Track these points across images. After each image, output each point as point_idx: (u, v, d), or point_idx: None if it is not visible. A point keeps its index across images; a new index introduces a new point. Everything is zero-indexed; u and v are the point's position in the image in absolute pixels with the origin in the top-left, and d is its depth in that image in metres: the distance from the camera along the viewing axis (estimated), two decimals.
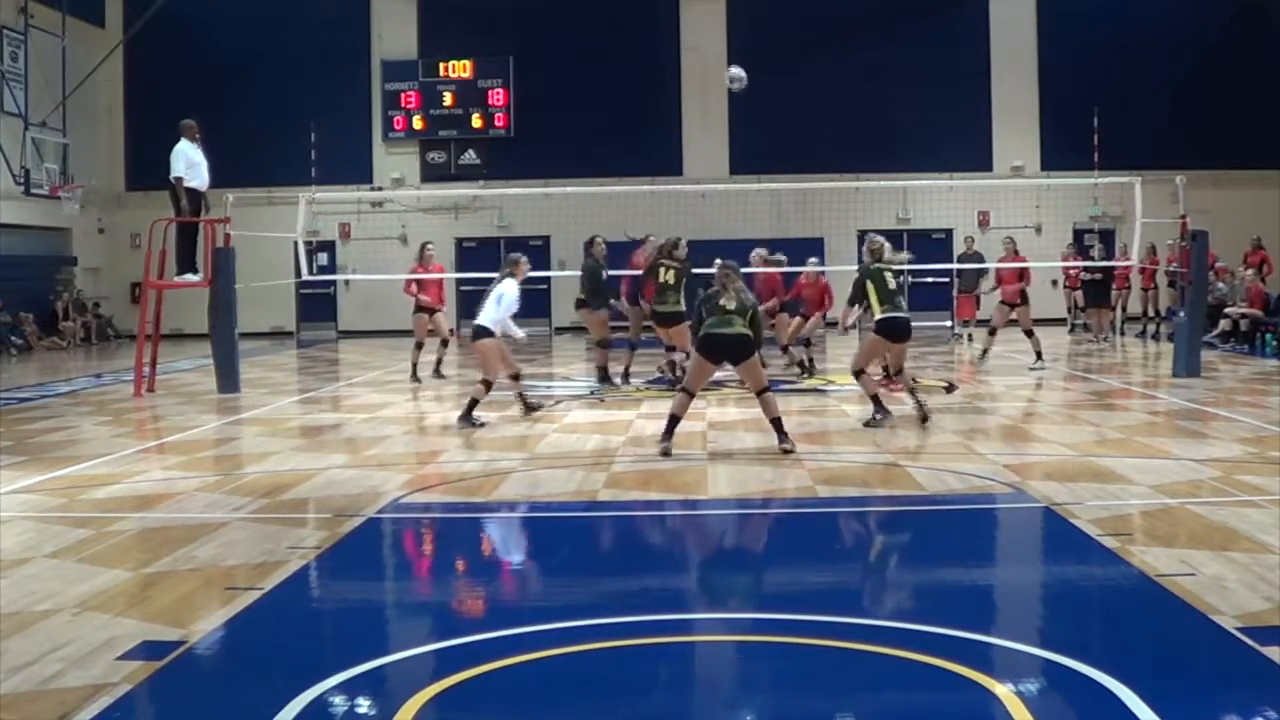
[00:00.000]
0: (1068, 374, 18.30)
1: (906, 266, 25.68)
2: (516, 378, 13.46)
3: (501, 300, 12.85)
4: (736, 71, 18.32)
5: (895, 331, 12.21)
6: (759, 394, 10.83)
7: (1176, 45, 29.84)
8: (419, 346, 17.75)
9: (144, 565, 6.87)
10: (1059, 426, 12.16)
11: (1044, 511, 8.05)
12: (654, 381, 16.35)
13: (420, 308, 17.69)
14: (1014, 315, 19.06)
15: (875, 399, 12.22)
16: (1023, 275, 19.15)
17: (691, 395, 10.86)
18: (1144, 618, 5.85)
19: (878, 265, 12.30)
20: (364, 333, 30.84)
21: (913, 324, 12.62)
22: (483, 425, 12.58)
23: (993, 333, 19.59)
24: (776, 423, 10.67)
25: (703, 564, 7.63)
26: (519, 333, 13.36)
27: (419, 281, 17.77)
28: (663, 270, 15.55)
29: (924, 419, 11.94)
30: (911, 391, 12.31)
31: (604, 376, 15.85)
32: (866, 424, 12.09)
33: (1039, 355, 18.27)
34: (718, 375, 16.61)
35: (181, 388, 17.56)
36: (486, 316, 12.84)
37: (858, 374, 12.38)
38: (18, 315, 27.53)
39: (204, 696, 5.03)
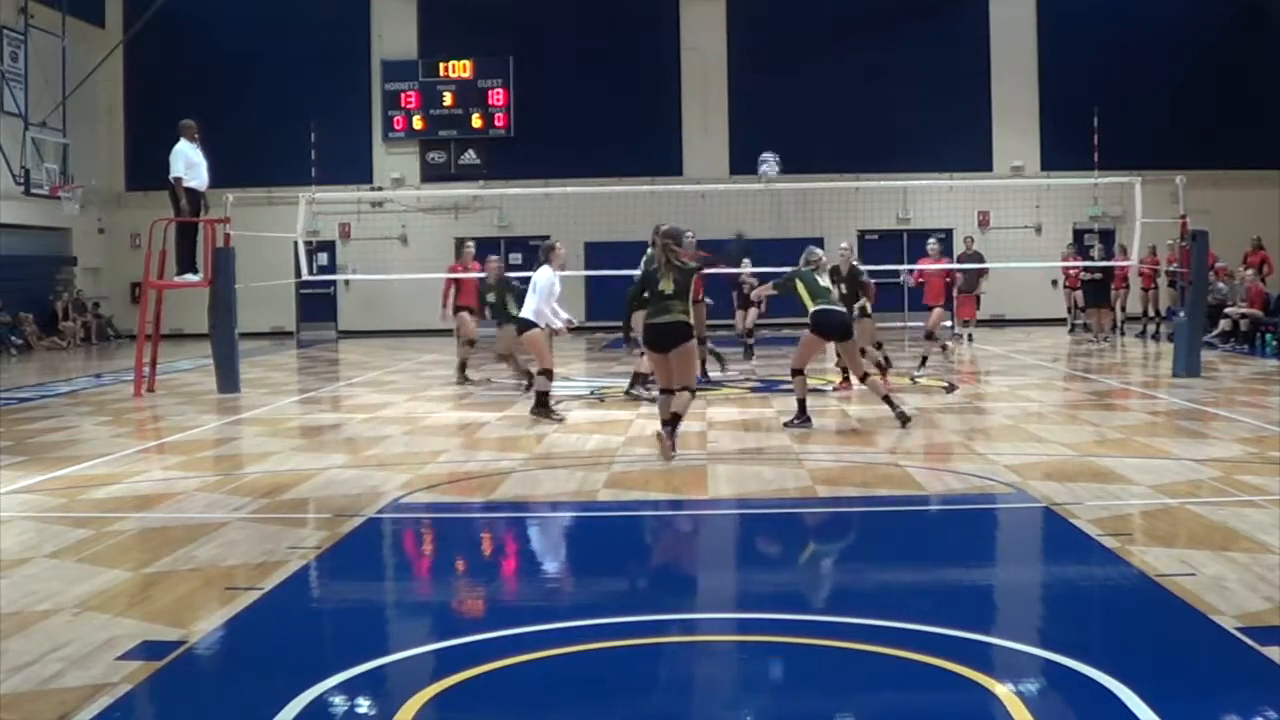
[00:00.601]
0: (1068, 374, 18.30)
1: (905, 267, 25.68)
2: (534, 375, 13.46)
3: (538, 289, 12.98)
4: (768, 169, 18.36)
5: (828, 326, 12.16)
6: (678, 390, 10.22)
7: (1176, 45, 29.84)
8: (470, 344, 17.40)
9: (144, 565, 6.87)
10: (1059, 426, 12.15)
11: (1044, 511, 8.04)
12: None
13: (460, 307, 17.39)
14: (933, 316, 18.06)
15: (801, 403, 12.19)
16: (949, 276, 18.38)
17: (670, 392, 10.26)
18: (1144, 618, 5.84)
19: (810, 269, 12.43)
20: (364, 333, 30.85)
21: (888, 324, 12.67)
22: (562, 419, 12.74)
23: (930, 336, 18.45)
24: (675, 418, 10.15)
25: (703, 564, 7.63)
26: (557, 322, 13.30)
27: (457, 282, 17.50)
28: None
29: (904, 421, 11.80)
30: (887, 399, 12.10)
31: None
32: (786, 424, 12.11)
33: (924, 361, 17.81)
34: (716, 375, 16.71)
35: (181, 388, 17.56)
36: (526, 308, 13.08)
37: (795, 372, 12.38)
38: (18, 315, 27.53)
39: (204, 697, 5.03)
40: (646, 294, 10.44)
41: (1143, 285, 25.27)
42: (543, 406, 12.89)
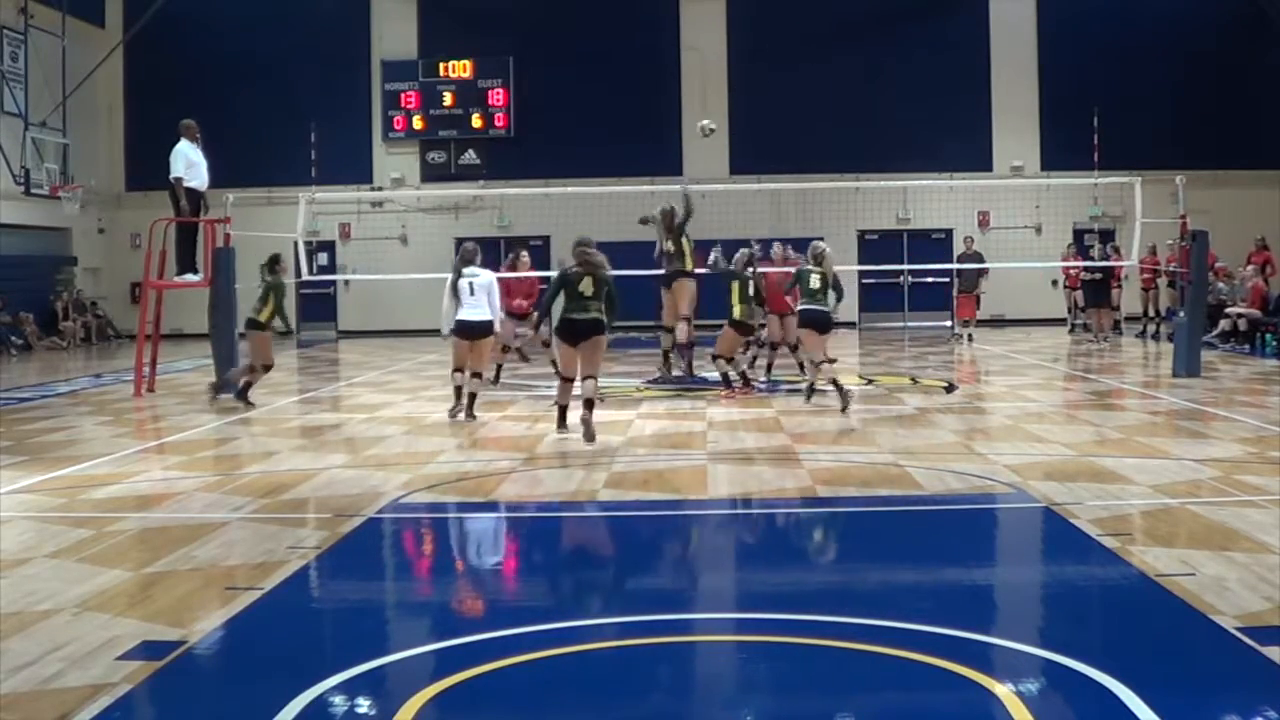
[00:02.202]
0: (1067, 374, 18.30)
1: (905, 267, 25.64)
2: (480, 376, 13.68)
3: (493, 293, 13.14)
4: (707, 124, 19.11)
5: (809, 322, 13.69)
6: (585, 377, 11.39)
7: (1176, 45, 29.83)
8: (504, 350, 16.62)
9: (144, 565, 6.87)
10: (1059, 426, 12.15)
11: (1044, 511, 8.05)
12: (653, 381, 16.36)
13: (509, 313, 16.93)
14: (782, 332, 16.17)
15: (836, 384, 13.47)
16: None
17: (570, 380, 11.55)
18: (1144, 618, 5.85)
19: (807, 269, 13.88)
20: (364, 333, 30.85)
21: (834, 320, 14.15)
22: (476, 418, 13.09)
23: (775, 347, 16.66)
24: (589, 404, 11.16)
25: (702, 564, 7.63)
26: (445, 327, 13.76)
27: (506, 287, 17.06)
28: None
29: (810, 395, 13.89)
30: (834, 382, 13.35)
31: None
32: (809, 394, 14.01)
33: (804, 370, 15.70)
34: (716, 375, 16.72)
35: (181, 388, 17.55)
36: (484, 313, 13.04)
37: (817, 364, 13.93)
38: (18, 315, 27.53)
39: (204, 696, 5.03)
40: (564, 293, 11.50)
41: (1142, 285, 25.26)
42: (472, 407, 13.19)
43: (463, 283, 12.95)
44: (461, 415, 13.04)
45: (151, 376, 16.85)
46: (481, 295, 12.99)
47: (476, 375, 13.32)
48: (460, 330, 13.07)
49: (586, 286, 11.28)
